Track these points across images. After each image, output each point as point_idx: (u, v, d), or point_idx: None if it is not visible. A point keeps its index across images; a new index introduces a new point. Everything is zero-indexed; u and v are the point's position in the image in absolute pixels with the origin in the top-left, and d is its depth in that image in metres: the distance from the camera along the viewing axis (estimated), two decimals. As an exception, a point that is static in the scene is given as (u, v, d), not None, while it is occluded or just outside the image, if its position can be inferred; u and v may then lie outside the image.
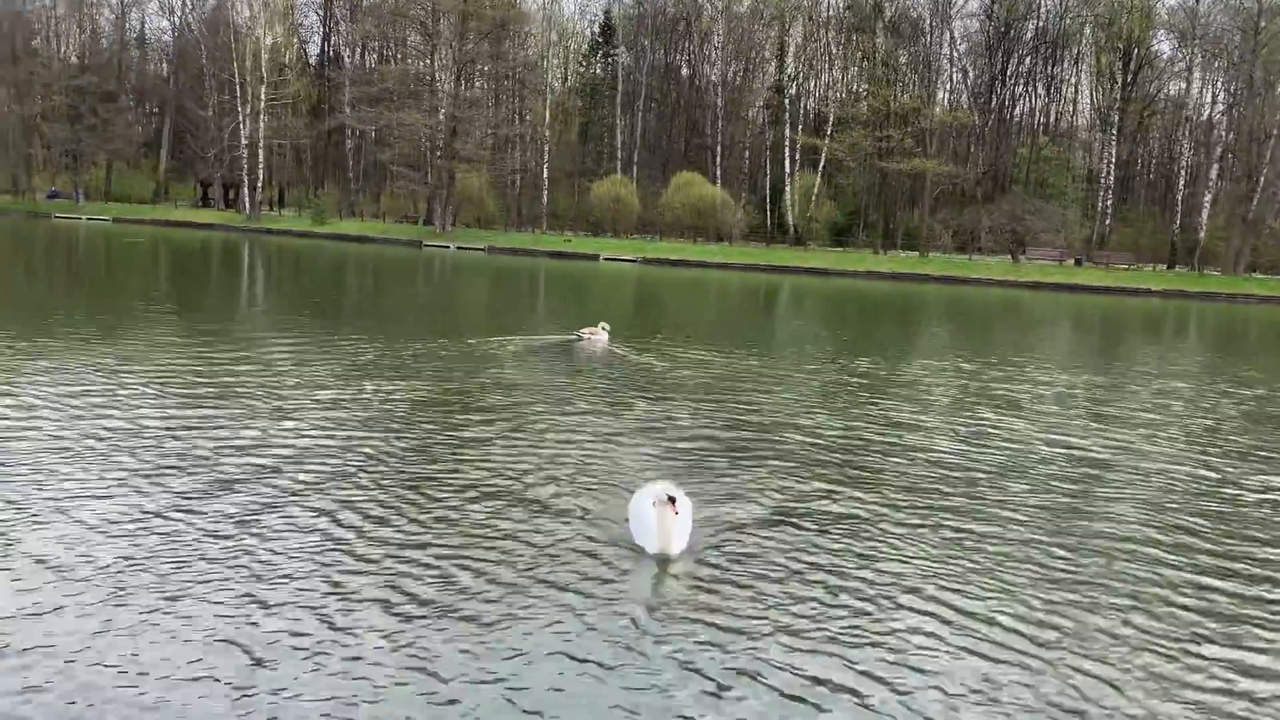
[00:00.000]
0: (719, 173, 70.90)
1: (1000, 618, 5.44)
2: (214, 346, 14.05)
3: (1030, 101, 76.21)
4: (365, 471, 7.74)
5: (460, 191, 67.40)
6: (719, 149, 72.37)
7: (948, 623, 5.34)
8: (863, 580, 5.92)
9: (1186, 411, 13.50)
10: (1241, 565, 6.65)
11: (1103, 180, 68.62)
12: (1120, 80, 67.13)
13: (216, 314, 20.22)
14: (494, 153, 69.94)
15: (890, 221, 71.25)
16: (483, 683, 4.44)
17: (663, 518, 6.03)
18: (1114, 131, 67.11)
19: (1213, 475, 9.36)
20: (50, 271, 30.06)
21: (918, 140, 65.88)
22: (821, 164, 69.39)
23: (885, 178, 68.20)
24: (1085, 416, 12.50)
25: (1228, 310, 44.16)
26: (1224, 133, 65.06)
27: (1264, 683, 4.88)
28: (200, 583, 5.35)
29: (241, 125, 70.23)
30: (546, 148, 74.33)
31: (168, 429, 8.72)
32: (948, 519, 7.30)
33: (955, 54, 74.68)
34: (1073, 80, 77.08)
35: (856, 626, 5.24)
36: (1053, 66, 74.89)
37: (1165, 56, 70.64)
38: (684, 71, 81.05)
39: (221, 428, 8.90)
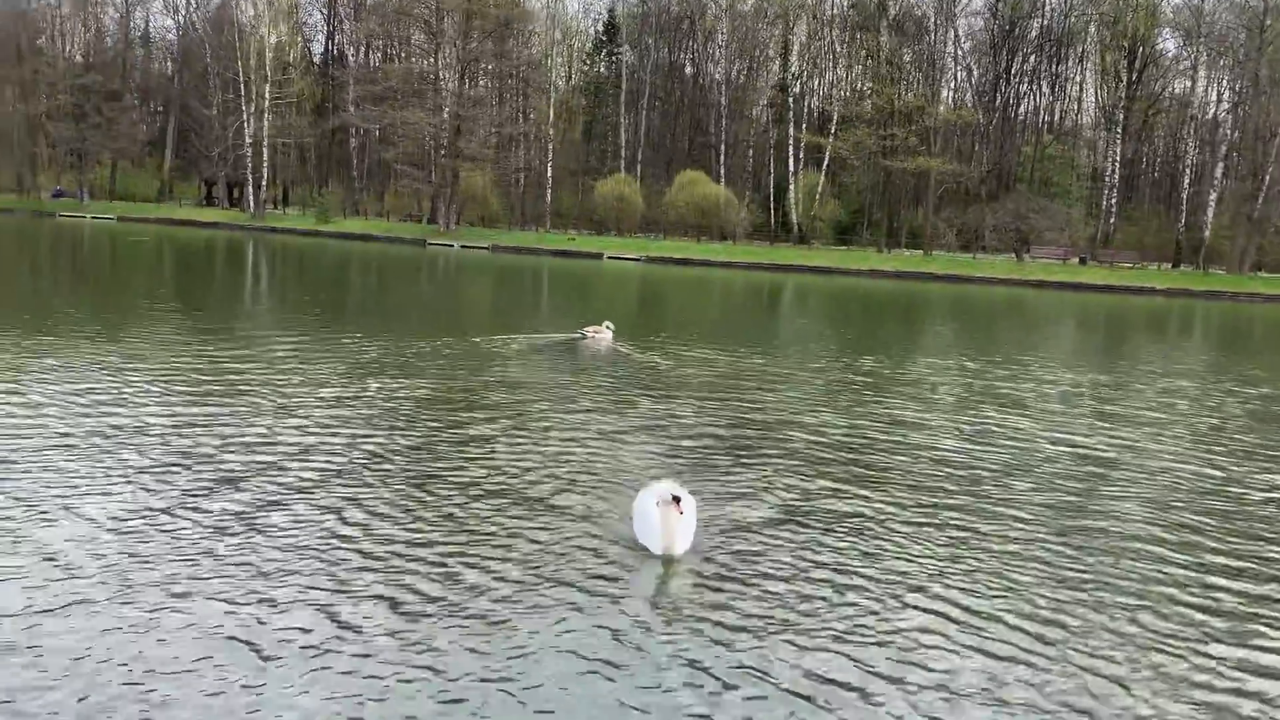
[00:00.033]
0: (723, 171, 70.88)
1: (1006, 616, 5.43)
2: (219, 344, 14.07)
3: (1035, 100, 76.12)
4: (369, 469, 7.75)
5: (464, 190, 67.46)
6: (723, 147, 72.35)
7: (954, 621, 5.33)
8: (868, 579, 5.91)
9: (1192, 410, 13.47)
10: (1248, 564, 6.63)
11: (1107, 179, 68.52)
12: (1125, 78, 67.03)
13: (221, 312, 20.24)
14: (498, 151, 69.99)
15: (894, 220, 71.21)
16: (488, 681, 4.44)
17: (667, 517, 5.99)
18: (1119, 130, 67.02)
19: (1218, 474, 9.34)
20: (55, 270, 30.11)
21: (922, 139, 65.83)
22: (825, 162, 69.36)
23: (889, 176, 68.15)
24: (1090, 415, 12.48)
25: (1233, 309, 44.07)
26: (1229, 131, 64.90)
27: (1273, 682, 4.86)
28: (207, 580, 5.35)
29: (246, 124, 70.35)
30: (550, 146, 74.37)
31: (173, 426, 8.73)
32: (953, 517, 7.28)
33: (960, 52, 74.65)
34: (1077, 78, 77.01)
35: (863, 625, 5.23)
36: (1057, 65, 74.76)
37: (1170, 55, 70.63)
38: (688, 70, 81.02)
39: (226, 425, 8.91)
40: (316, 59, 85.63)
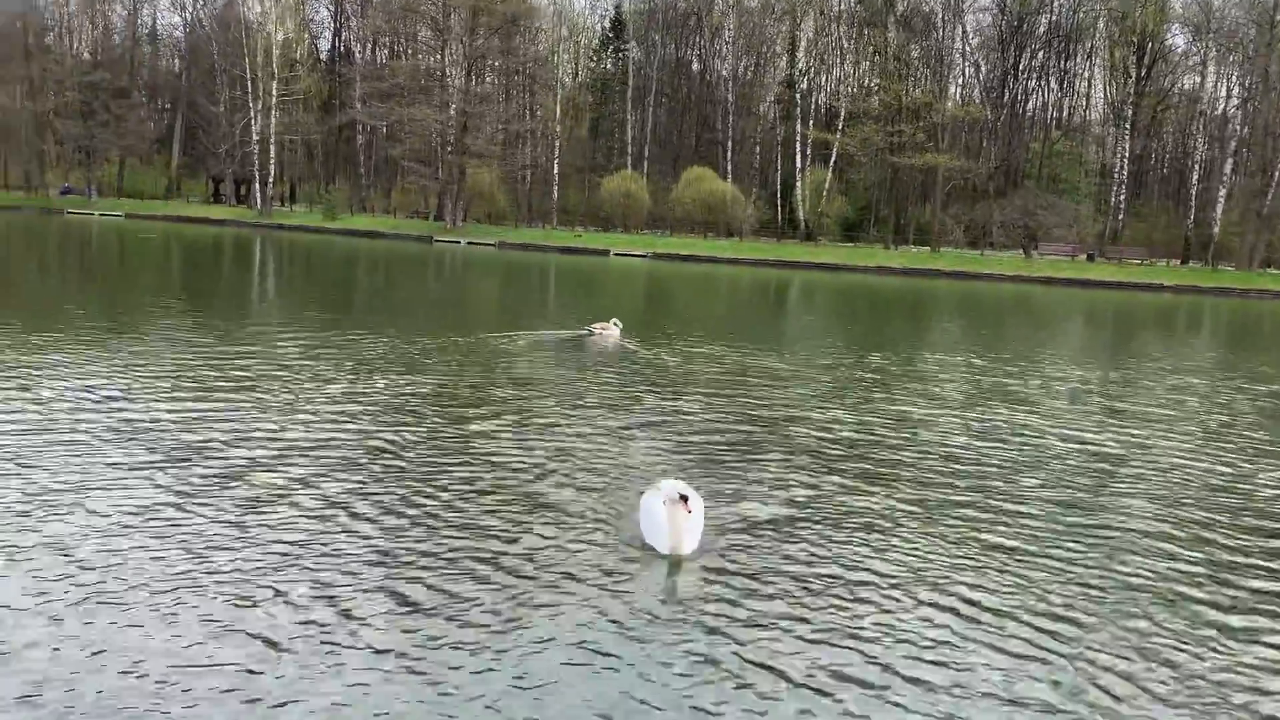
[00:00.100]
0: (730, 168, 70.82)
1: (1017, 612, 5.42)
2: (226, 341, 14.09)
3: (1043, 96, 75.95)
4: (377, 465, 7.76)
5: (471, 187, 67.52)
6: (730, 144, 72.27)
7: (964, 618, 5.32)
8: (878, 576, 5.90)
9: (1201, 407, 13.42)
10: (1259, 560, 6.60)
11: (1116, 175, 68.28)
12: (1134, 74, 66.79)
13: (229, 309, 20.28)
14: (504, 148, 70.03)
15: (901, 217, 71.09)
16: (495, 674, 4.44)
17: (674, 516, 5.95)
18: (1127, 126, 66.76)
19: (1228, 470, 9.30)
20: (64, 267, 30.22)
21: (929, 135, 65.68)
22: (833, 159, 69.24)
23: (897, 173, 68.08)
24: (1099, 412, 12.44)
25: (1242, 306, 43.90)
26: (1238, 127, 64.65)
27: (1283, 679, 4.84)
28: (218, 574, 5.36)
29: (253, 121, 70.47)
30: (557, 143, 74.36)
31: (182, 422, 8.75)
32: (962, 514, 7.26)
33: (967, 48, 74.42)
34: (1086, 74, 76.77)
35: (872, 622, 5.22)
36: (1066, 61, 74.56)
37: (1179, 50, 70.32)
38: (695, 66, 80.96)
39: (235, 421, 8.93)
40: (323, 56, 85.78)
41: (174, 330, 15.17)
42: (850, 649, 4.88)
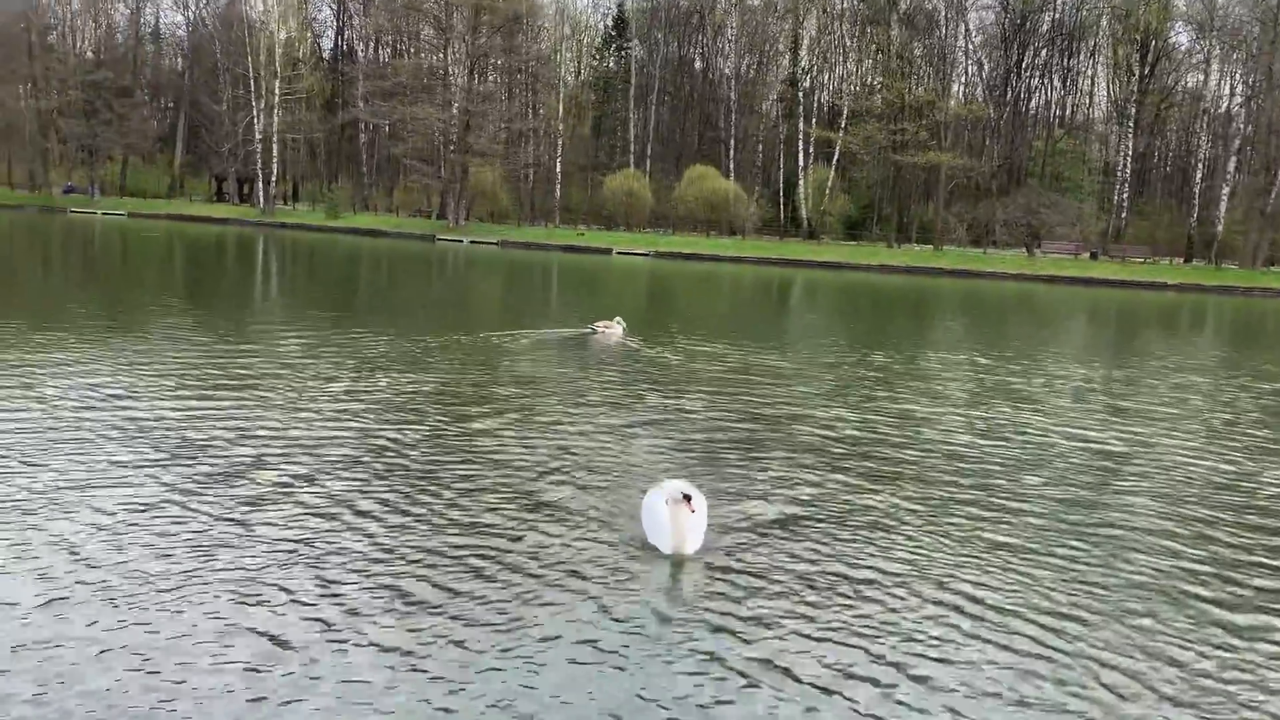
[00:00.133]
0: (732, 166, 70.79)
1: (1022, 610, 5.42)
2: (229, 339, 14.11)
3: (1046, 94, 75.85)
4: (380, 464, 7.76)
5: (473, 186, 67.53)
6: (732, 142, 72.24)
7: (969, 616, 5.32)
8: (881, 573, 5.89)
9: (1205, 406, 13.40)
10: (1262, 558, 6.59)
11: (1119, 173, 68.21)
12: (1137, 72, 66.67)
13: (231, 307, 20.30)
14: (507, 147, 70.04)
15: (904, 215, 71.04)
16: (501, 673, 4.45)
17: (677, 516, 5.92)
18: (1130, 124, 66.67)
19: (1231, 469, 9.29)
20: (67, 266, 30.26)
21: (932, 133, 65.64)
22: (835, 157, 69.21)
23: (899, 171, 68.01)
24: (1102, 410, 12.43)
25: (1245, 304, 43.83)
26: (1242, 125, 64.53)
27: (1287, 678, 4.83)
28: (222, 571, 5.37)
29: (255, 120, 70.50)
30: (559, 141, 74.36)
31: (185, 420, 8.76)
32: (966, 512, 7.26)
33: (970, 46, 74.31)
34: (1089, 72, 76.67)
35: (877, 620, 5.21)
36: (1069, 59, 74.46)
37: (1183, 48, 70.21)
38: (697, 65, 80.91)
39: (239, 419, 8.94)
40: (326, 54, 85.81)
41: (177, 329, 15.19)
42: (856, 647, 4.88)
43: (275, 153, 71.44)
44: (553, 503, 6.98)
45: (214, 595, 5.09)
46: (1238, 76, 68.03)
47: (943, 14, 71.00)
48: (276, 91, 70.31)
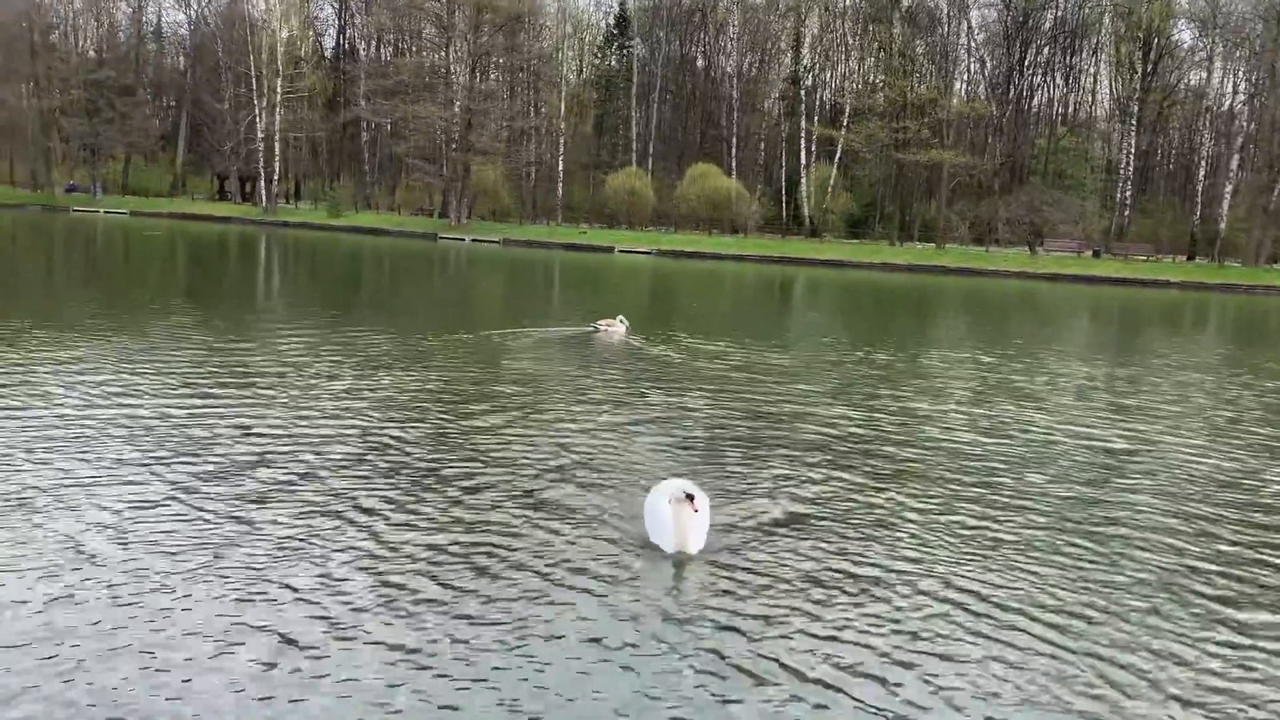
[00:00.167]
0: (734, 164, 70.76)
1: (1027, 607, 5.42)
2: (232, 337, 14.12)
3: (1048, 92, 75.74)
4: (382, 462, 7.77)
5: (475, 184, 67.51)
6: (734, 141, 72.23)
7: (974, 613, 5.32)
8: (885, 571, 5.90)
9: (1208, 404, 13.39)
10: (1266, 556, 6.59)
11: (1122, 171, 68.13)
12: (1140, 70, 66.56)
13: (234, 306, 20.31)
14: (509, 145, 70.05)
15: (906, 213, 70.97)
16: (506, 671, 4.45)
17: (679, 515, 5.90)
18: (1133, 122, 66.59)
19: (1234, 467, 9.29)
20: (70, 265, 30.29)
21: (934, 131, 65.58)
22: (837, 155, 69.17)
23: (902, 169, 67.95)
24: (1105, 408, 12.42)
25: (1248, 302, 43.77)
26: (1245, 123, 64.44)
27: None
28: (223, 569, 5.38)
29: (258, 118, 70.53)
30: (562, 140, 74.36)
31: (189, 417, 8.77)
32: (969, 510, 7.26)
33: (973, 44, 74.22)
34: (1092, 70, 76.56)
35: (882, 618, 5.22)
36: (1071, 56, 74.32)
37: (1186, 46, 70.05)
38: (699, 63, 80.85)
39: (241, 417, 8.94)
40: (328, 53, 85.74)
41: (180, 327, 15.20)
42: (861, 645, 4.88)
43: (277, 151, 71.43)
44: (555, 501, 6.98)
45: (219, 592, 5.10)
46: (1240, 74, 67.93)
47: (945, 11, 70.93)
48: (278, 90, 70.32)
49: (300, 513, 6.41)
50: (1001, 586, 5.74)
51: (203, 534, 5.92)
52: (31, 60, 74.68)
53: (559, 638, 4.81)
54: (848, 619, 5.19)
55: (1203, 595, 5.80)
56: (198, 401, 9.58)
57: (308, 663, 4.43)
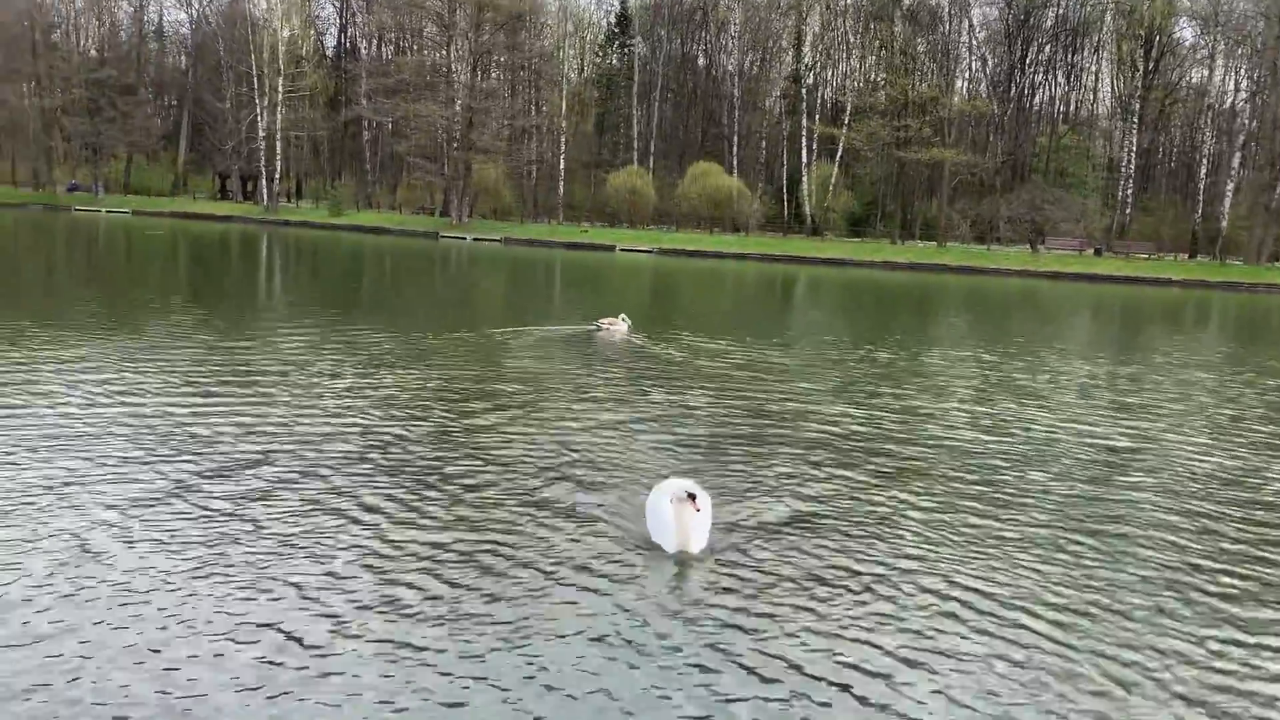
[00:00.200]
0: (735, 163, 70.74)
1: (1030, 605, 5.42)
2: (234, 336, 14.13)
3: (1050, 90, 75.73)
4: (384, 461, 7.77)
5: (476, 183, 67.52)
6: (736, 139, 72.20)
7: (977, 610, 5.32)
8: (888, 569, 5.90)
9: (1210, 402, 13.38)
10: (1268, 554, 6.59)
11: (1123, 169, 68.09)
12: (1141, 68, 66.53)
13: (236, 305, 20.31)
14: (510, 144, 70.02)
15: (908, 211, 70.93)
16: (510, 669, 4.46)
17: (681, 515, 5.89)
18: (1135, 120, 66.54)
19: (1236, 465, 9.28)
20: (72, 264, 30.30)
21: (936, 129, 65.56)
22: (839, 154, 69.14)
23: (903, 167, 67.91)
24: (1107, 406, 12.42)
25: (1250, 300, 43.73)
26: (1246, 121, 64.38)
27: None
28: (226, 567, 5.39)
29: (259, 117, 70.55)
30: (563, 138, 74.39)
31: (191, 416, 8.77)
32: (972, 508, 7.26)
33: (974, 42, 74.22)
34: (1093, 68, 76.52)
35: (885, 616, 5.22)
36: (1073, 54, 74.29)
37: (1187, 44, 70.03)
38: (700, 61, 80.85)
39: (243, 416, 8.95)
40: (329, 52, 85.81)
41: (182, 326, 15.20)
42: (864, 643, 4.88)
43: (279, 150, 71.46)
44: (557, 500, 6.98)
45: (222, 590, 5.10)
46: (1242, 72, 67.88)
47: (946, 10, 70.94)
48: (280, 89, 70.34)
49: (303, 511, 6.41)
50: (1004, 584, 5.74)
51: (205, 532, 5.93)
52: (33, 59, 74.69)
53: (561, 636, 4.81)
54: (851, 617, 5.19)
55: (1205, 593, 5.80)
56: (200, 400, 9.59)
57: (311, 660, 4.44)
